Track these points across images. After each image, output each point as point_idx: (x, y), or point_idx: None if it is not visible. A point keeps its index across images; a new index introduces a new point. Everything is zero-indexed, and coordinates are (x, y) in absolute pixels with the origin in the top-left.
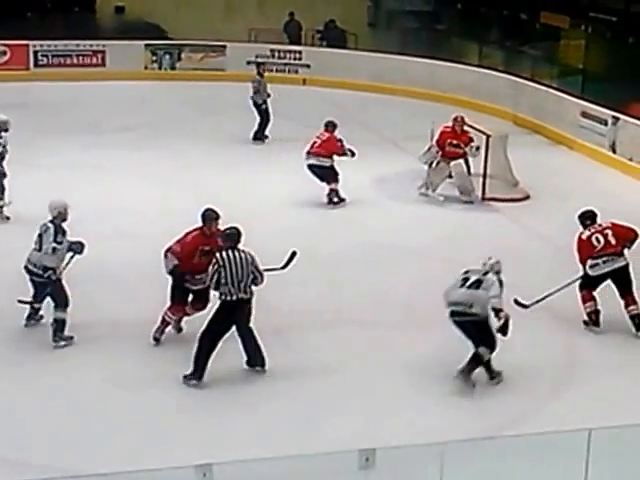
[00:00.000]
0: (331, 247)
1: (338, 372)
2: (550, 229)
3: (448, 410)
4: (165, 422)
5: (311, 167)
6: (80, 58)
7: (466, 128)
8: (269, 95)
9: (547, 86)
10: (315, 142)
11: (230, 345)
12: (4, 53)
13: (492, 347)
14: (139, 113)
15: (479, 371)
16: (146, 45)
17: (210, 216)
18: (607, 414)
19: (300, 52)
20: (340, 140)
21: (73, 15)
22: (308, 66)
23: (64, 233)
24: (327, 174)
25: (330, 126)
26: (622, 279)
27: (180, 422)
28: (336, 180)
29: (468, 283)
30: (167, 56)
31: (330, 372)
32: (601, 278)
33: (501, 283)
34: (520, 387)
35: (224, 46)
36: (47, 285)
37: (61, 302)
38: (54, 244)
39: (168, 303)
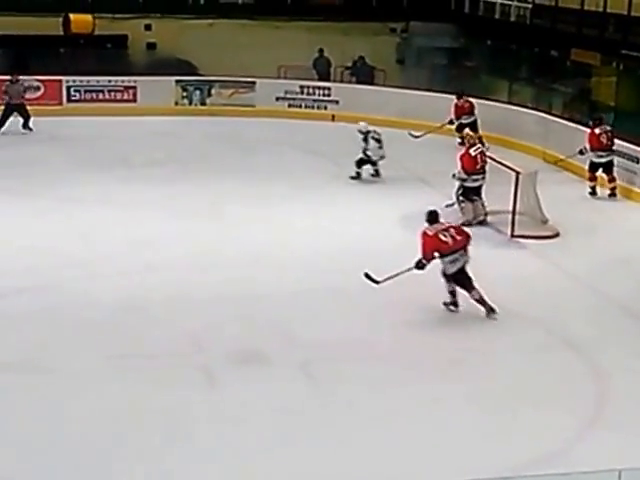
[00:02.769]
0: (358, 282)
1: (364, 405)
2: (579, 266)
3: (473, 448)
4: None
5: None
6: (112, 94)
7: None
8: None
9: (578, 123)
10: None
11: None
12: (38, 88)
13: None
14: (169, 148)
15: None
16: (177, 81)
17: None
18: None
19: (329, 88)
20: None
21: (105, 51)
22: (337, 102)
23: None
24: None
25: None
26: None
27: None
28: None
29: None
30: (197, 92)
31: (356, 405)
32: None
33: None
34: (546, 423)
35: (254, 82)
36: None
37: None
38: None
39: None
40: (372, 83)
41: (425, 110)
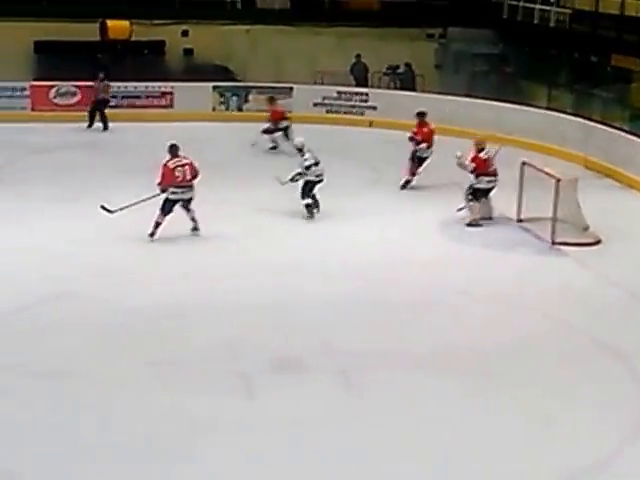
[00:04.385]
0: (398, 290)
1: (402, 414)
2: (620, 274)
3: (517, 457)
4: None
5: None
6: (149, 99)
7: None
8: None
9: (618, 129)
10: None
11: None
12: (74, 94)
13: None
14: (206, 154)
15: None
16: (214, 87)
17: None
18: None
19: (367, 94)
20: None
21: (143, 57)
22: (374, 108)
23: None
24: None
25: None
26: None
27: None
28: None
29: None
30: (234, 98)
31: (394, 414)
32: None
33: None
34: (590, 433)
35: (291, 88)
36: None
37: None
38: None
39: None
40: (414, 89)
41: (463, 116)
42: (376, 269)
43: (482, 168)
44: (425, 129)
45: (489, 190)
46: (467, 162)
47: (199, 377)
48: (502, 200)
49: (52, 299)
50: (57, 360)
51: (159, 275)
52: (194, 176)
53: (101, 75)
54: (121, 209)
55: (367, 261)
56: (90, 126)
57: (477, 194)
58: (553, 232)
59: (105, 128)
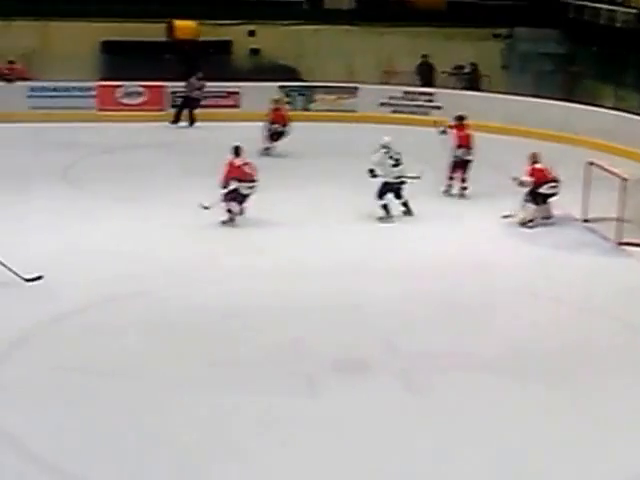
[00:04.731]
0: (462, 291)
1: (465, 415)
2: None
3: (580, 460)
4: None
5: None
6: (215, 99)
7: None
8: None
9: None
10: None
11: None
12: (141, 94)
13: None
14: (272, 153)
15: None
16: (280, 87)
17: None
18: None
19: (432, 94)
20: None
21: (209, 57)
22: (440, 108)
23: None
24: None
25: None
26: None
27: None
28: None
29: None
30: (300, 97)
31: (457, 415)
32: None
33: None
34: None
35: (356, 88)
36: None
37: None
38: None
39: None
40: (479, 89)
41: (530, 116)
42: (441, 270)
43: (542, 177)
44: (463, 132)
45: (551, 195)
46: (525, 178)
47: (262, 378)
48: (568, 200)
49: (117, 299)
50: (121, 360)
51: (223, 275)
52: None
53: (199, 74)
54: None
55: (432, 262)
56: (175, 122)
57: (537, 198)
58: (619, 232)
59: (191, 124)
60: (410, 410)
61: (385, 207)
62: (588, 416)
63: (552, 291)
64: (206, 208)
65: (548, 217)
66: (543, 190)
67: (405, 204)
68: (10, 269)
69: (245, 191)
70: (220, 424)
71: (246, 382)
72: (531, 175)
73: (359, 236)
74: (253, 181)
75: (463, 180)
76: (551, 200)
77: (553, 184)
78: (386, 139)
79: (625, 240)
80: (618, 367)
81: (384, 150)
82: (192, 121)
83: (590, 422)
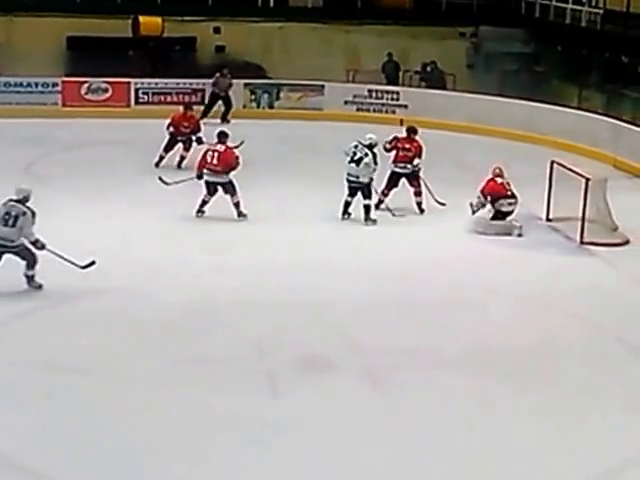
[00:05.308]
0: (427, 291)
1: (429, 414)
2: None
3: (542, 460)
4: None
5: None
6: (180, 96)
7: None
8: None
9: None
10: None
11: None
12: (106, 90)
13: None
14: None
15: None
16: (245, 84)
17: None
18: None
19: (398, 92)
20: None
21: (174, 54)
22: (406, 106)
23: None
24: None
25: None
26: None
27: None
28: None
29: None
30: (266, 95)
31: (421, 414)
32: None
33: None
34: (616, 435)
35: (322, 86)
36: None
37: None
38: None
39: None
40: (443, 88)
41: (495, 115)
42: (405, 268)
43: (497, 192)
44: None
45: (509, 213)
46: (480, 198)
47: (226, 375)
48: (532, 199)
49: (82, 295)
50: (86, 356)
51: (189, 272)
52: (225, 164)
53: (224, 71)
54: (176, 182)
55: (396, 260)
56: (203, 117)
57: (497, 215)
58: (582, 232)
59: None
60: (373, 409)
61: (345, 204)
62: (551, 414)
63: (515, 290)
64: (165, 184)
65: (509, 234)
66: (499, 206)
67: (365, 207)
68: (66, 258)
69: (207, 178)
70: (184, 422)
71: (210, 380)
72: (487, 184)
73: (324, 235)
74: (211, 170)
75: (416, 194)
76: (511, 218)
77: (510, 200)
78: (370, 136)
79: (588, 240)
80: (581, 365)
81: (353, 145)
82: (226, 120)
83: (553, 420)
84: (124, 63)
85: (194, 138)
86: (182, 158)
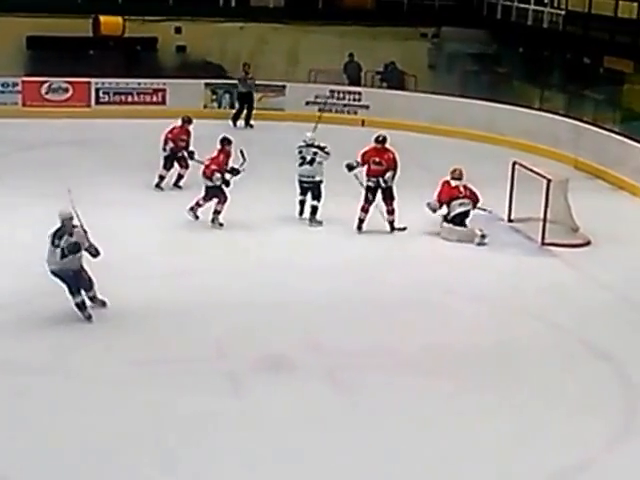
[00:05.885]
0: (388, 292)
1: (389, 414)
2: (610, 275)
3: (502, 457)
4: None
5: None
6: (141, 96)
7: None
8: None
9: (609, 131)
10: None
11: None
12: (66, 90)
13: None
14: (198, 151)
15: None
16: (206, 84)
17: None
18: None
19: (359, 93)
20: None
21: (135, 53)
22: (367, 107)
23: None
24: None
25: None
26: None
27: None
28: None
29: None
30: (227, 95)
31: (382, 414)
32: None
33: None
34: (575, 434)
35: (283, 86)
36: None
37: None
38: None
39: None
40: (402, 88)
41: (456, 116)
42: (366, 269)
43: (449, 195)
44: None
45: (464, 214)
46: (434, 200)
47: (186, 376)
48: (493, 200)
49: (40, 295)
50: (45, 355)
51: (150, 271)
52: (209, 169)
53: (246, 67)
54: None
55: (357, 261)
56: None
57: (455, 219)
58: (543, 233)
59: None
60: (334, 409)
61: (300, 203)
62: (509, 414)
63: (476, 290)
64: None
65: (471, 241)
66: (452, 208)
67: (312, 208)
68: None
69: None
70: (142, 423)
71: (170, 380)
72: (442, 187)
73: (285, 235)
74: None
75: (389, 212)
76: (468, 221)
77: (461, 201)
78: (308, 135)
79: (550, 240)
80: (541, 365)
81: (297, 151)
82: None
83: (511, 420)
84: (85, 63)
85: (186, 154)
86: (180, 177)
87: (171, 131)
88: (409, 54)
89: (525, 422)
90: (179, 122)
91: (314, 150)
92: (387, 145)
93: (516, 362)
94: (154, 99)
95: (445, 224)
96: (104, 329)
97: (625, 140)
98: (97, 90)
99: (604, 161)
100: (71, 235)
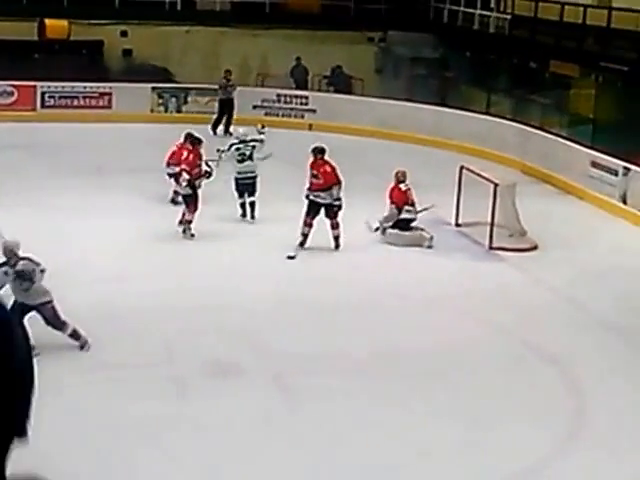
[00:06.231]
0: (336, 295)
1: (337, 418)
2: (557, 279)
3: (449, 463)
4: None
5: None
6: (87, 100)
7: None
8: None
9: (556, 135)
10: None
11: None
12: (11, 94)
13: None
14: (144, 156)
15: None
16: (153, 88)
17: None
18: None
19: (306, 97)
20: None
21: (81, 57)
22: (314, 111)
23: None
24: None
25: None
26: None
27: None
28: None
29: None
30: (173, 99)
31: (329, 418)
32: None
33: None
34: (523, 439)
35: None
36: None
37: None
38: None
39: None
40: (349, 92)
41: (404, 120)
42: (313, 272)
43: (403, 200)
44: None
45: (411, 220)
46: (388, 211)
47: (133, 381)
48: (441, 204)
49: None
50: None
51: (93, 275)
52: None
53: (227, 74)
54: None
55: (304, 264)
56: (227, 131)
57: (400, 224)
58: (490, 237)
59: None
60: (279, 412)
61: (242, 206)
62: (455, 419)
63: (424, 294)
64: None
65: (420, 245)
66: (405, 215)
67: (251, 204)
68: None
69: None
70: (89, 428)
71: (117, 385)
72: (392, 192)
73: (232, 239)
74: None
75: (332, 226)
76: (414, 225)
77: (410, 208)
78: (240, 131)
79: (497, 245)
80: (488, 369)
81: (235, 143)
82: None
83: (457, 425)
84: (30, 66)
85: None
86: (176, 193)
87: (186, 158)
88: (356, 58)
89: (472, 427)
90: (187, 144)
91: (251, 144)
92: (326, 157)
93: (464, 366)
94: (100, 103)
95: (391, 230)
96: (51, 334)
97: (572, 144)
98: (43, 94)
99: (551, 165)
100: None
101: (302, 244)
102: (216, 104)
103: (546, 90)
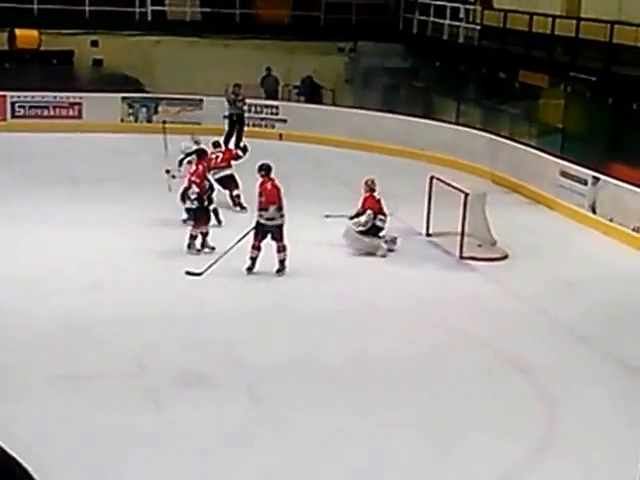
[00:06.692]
0: (308, 306)
1: (310, 428)
2: (527, 289)
3: (420, 473)
4: None
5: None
6: (57, 110)
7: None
8: None
9: (526, 145)
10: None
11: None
12: None
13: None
14: (114, 166)
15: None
16: (123, 98)
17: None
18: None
19: (277, 107)
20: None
21: (51, 67)
22: (285, 121)
23: None
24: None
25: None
26: None
27: None
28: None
29: None
30: (144, 109)
31: (302, 428)
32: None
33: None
34: (493, 448)
35: (201, 100)
36: None
37: None
38: None
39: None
40: (320, 102)
41: (373, 130)
42: (284, 282)
43: (377, 208)
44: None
45: (382, 229)
46: (365, 217)
47: (105, 392)
48: (412, 214)
49: None
50: None
51: (67, 285)
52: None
53: (236, 86)
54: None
55: (274, 273)
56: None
57: (371, 230)
58: (461, 247)
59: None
60: (254, 424)
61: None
62: (427, 429)
63: (395, 304)
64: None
65: (373, 253)
66: (378, 223)
67: (215, 211)
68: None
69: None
70: (61, 439)
71: (89, 396)
72: (366, 202)
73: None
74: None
75: (279, 249)
76: (383, 233)
77: (382, 217)
78: (183, 145)
79: (467, 254)
80: (458, 379)
81: (183, 158)
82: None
83: (429, 435)
84: (0, 76)
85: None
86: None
87: (195, 171)
88: (326, 68)
89: (444, 437)
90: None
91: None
92: (272, 175)
93: (435, 375)
94: (70, 113)
95: (357, 234)
96: (21, 344)
97: (541, 154)
98: (13, 104)
99: (521, 175)
100: None
101: (250, 269)
102: (225, 120)
103: (516, 100)
